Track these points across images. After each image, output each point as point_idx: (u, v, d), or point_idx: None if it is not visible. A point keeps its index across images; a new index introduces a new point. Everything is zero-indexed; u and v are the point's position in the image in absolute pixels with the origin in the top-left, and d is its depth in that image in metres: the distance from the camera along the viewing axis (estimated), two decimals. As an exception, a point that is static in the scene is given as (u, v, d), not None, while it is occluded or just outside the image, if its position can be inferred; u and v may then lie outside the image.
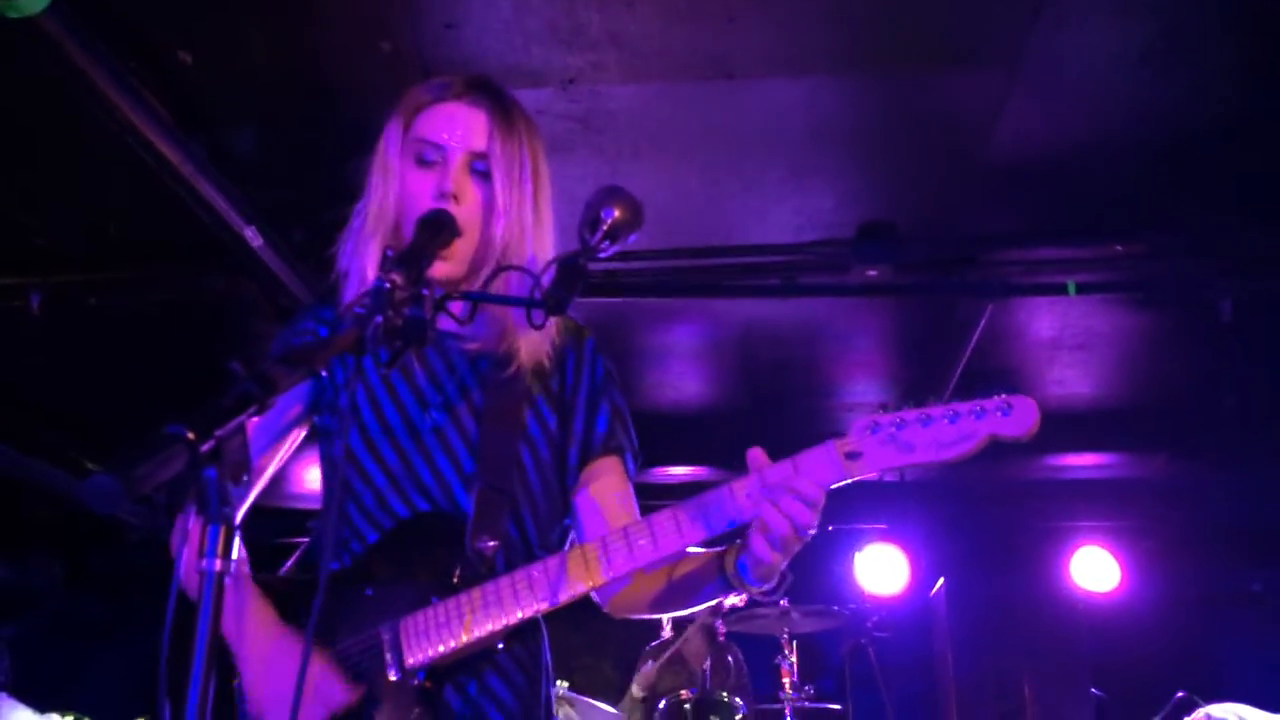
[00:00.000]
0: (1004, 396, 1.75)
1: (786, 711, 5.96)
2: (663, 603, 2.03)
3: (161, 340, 5.98)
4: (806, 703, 6.10)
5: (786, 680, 6.04)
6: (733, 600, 2.08)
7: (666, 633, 7.12)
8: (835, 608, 6.50)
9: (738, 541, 1.88)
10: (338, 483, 1.94)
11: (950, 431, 1.74)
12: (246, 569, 1.94)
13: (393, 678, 1.81)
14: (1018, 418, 1.73)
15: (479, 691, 1.89)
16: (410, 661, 1.81)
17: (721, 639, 6.99)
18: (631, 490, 2.09)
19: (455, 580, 1.85)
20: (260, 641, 1.82)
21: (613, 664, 7.25)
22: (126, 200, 4.66)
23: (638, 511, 2.05)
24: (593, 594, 1.91)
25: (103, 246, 5.09)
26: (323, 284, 5.03)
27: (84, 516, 7.68)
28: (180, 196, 4.22)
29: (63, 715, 5.47)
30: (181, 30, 3.79)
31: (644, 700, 6.84)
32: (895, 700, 7.07)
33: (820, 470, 1.77)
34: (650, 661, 7.03)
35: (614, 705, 6.62)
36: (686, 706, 5.96)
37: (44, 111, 4.15)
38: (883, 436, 1.76)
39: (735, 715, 5.96)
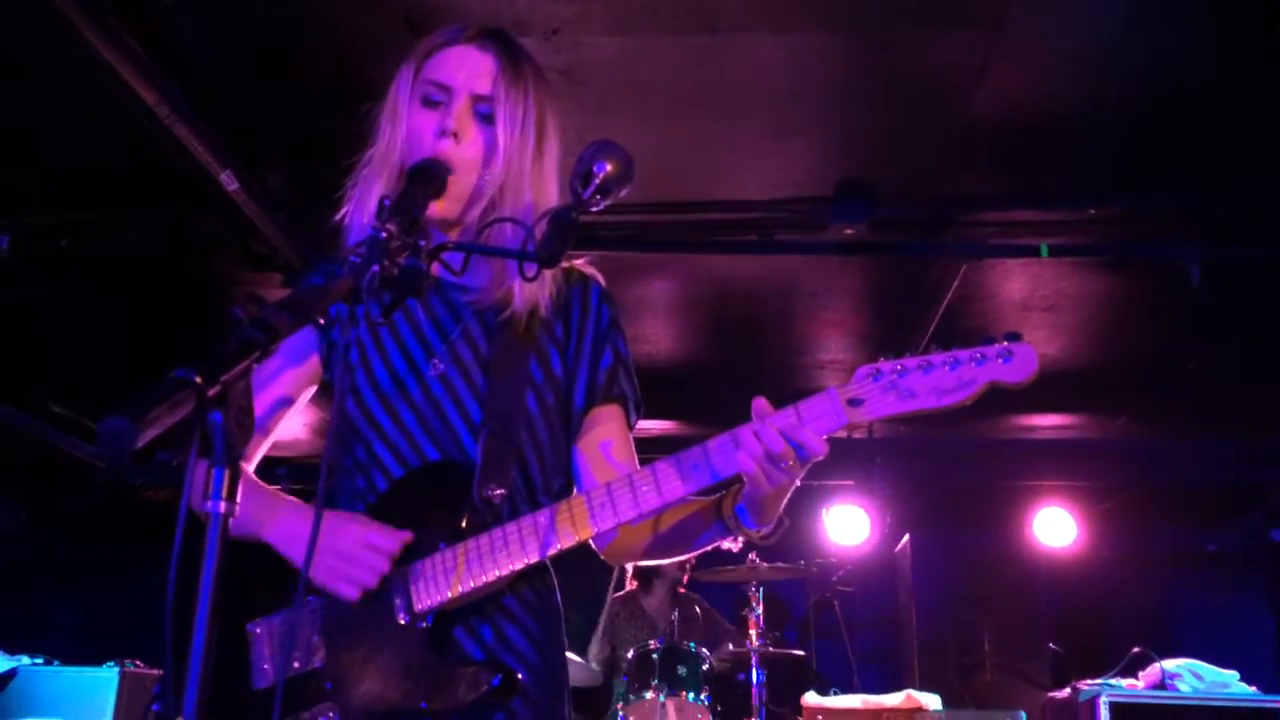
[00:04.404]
0: (1005, 343, 1.75)
1: (753, 661, 6.06)
2: (660, 549, 2.05)
3: (133, 283, 5.93)
4: (771, 647, 6.21)
5: (753, 632, 6.13)
6: (729, 545, 2.08)
7: (630, 584, 7.21)
8: (802, 563, 6.59)
9: (735, 487, 1.89)
10: (335, 431, 1.96)
11: (951, 378, 1.75)
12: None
13: (401, 621, 1.84)
14: (1018, 364, 1.74)
15: (495, 640, 1.92)
16: (419, 606, 1.84)
17: (683, 591, 7.09)
18: (630, 439, 2.11)
19: (463, 526, 1.87)
20: (302, 521, 1.90)
21: (583, 617, 7.32)
22: (100, 141, 4.60)
23: (635, 460, 2.06)
24: (591, 541, 1.93)
25: (75, 187, 5.03)
26: (297, 229, 5.01)
27: (48, 458, 7.64)
28: (156, 139, 4.17)
29: (32, 658, 5.47)
30: (160, -31, 3.73)
31: (610, 648, 6.93)
32: (859, 652, 7.21)
33: (823, 417, 1.77)
34: (614, 608, 7.12)
35: (580, 655, 6.72)
36: (654, 656, 6.04)
37: (18, 49, 4.07)
38: (884, 384, 1.76)
39: (701, 665, 6.05)
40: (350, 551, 1.83)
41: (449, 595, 1.83)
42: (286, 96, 4.43)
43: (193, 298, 6.06)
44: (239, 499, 1.25)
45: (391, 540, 1.84)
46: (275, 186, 4.80)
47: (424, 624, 1.85)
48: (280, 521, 1.90)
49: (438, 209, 1.89)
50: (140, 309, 6.27)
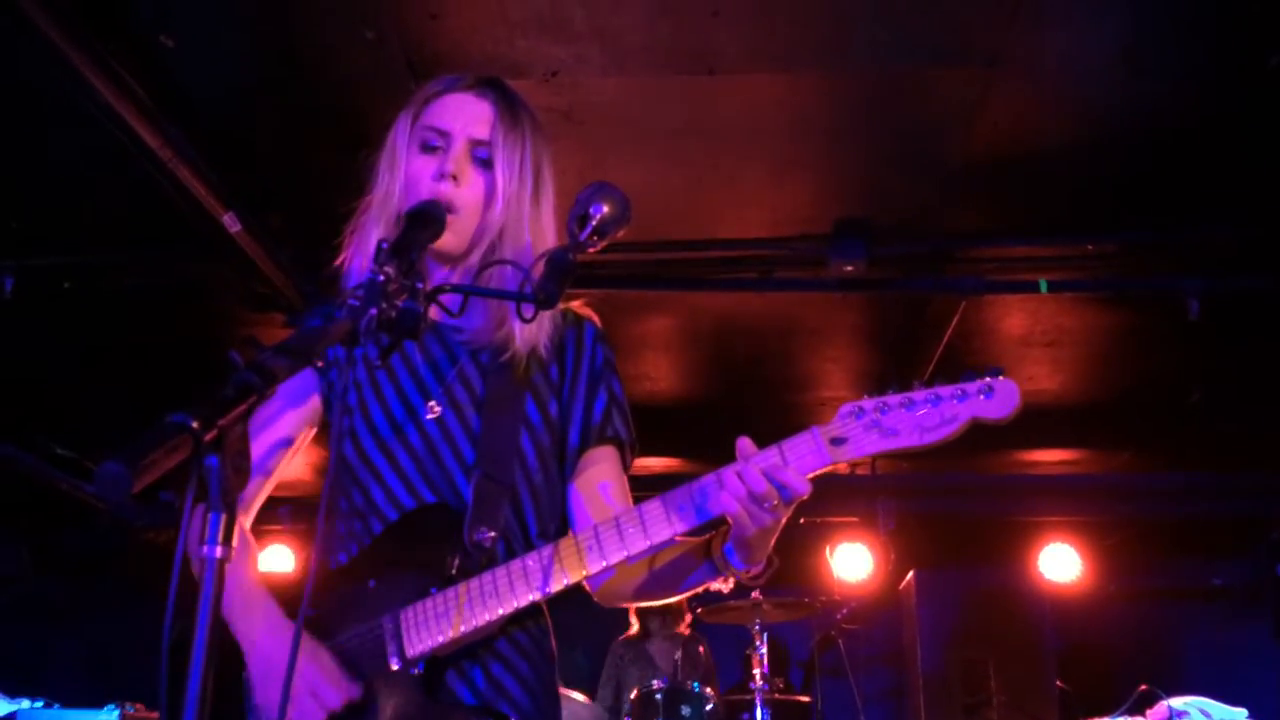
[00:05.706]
0: (985, 379, 1.75)
1: (757, 701, 6.01)
2: (650, 590, 2.04)
3: (136, 324, 5.94)
4: (776, 694, 6.16)
5: (757, 671, 6.09)
6: (719, 586, 2.07)
7: (635, 624, 7.17)
8: (806, 600, 6.55)
9: (724, 527, 1.89)
10: (333, 476, 1.95)
11: (933, 415, 1.74)
12: (254, 569, 1.97)
13: (394, 667, 1.83)
14: (999, 400, 1.73)
15: (487, 684, 1.90)
16: (411, 651, 1.83)
17: (686, 631, 7.05)
18: (625, 481, 2.10)
19: (454, 571, 1.86)
20: (264, 639, 1.85)
21: (584, 652, 7.29)
22: (103, 184, 4.63)
23: (630, 502, 2.05)
24: (585, 583, 1.92)
25: (78, 230, 5.06)
26: (300, 271, 5.04)
27: (51, 498, 7.63)
28: (158, 181, 4.20)
29: (32, 700, 5.43)
30: (164, 14, 3.77)
31: (615, 690, 6.89)
32: (864, 691, 7.15)
33: (806, 457, 1.77)
34: (618, 650, 7.08)
35: (587, 694, 6.67)
36: (658, 697, 5.99)
37: (20, 92, 4.11)
38: (866, 422, 1.76)
39: (705, 705, 6.01)
40: (293, 692, 1.79)
41: (440, 640, 1.82)
42: (289, 139, 4.46)
43: (196, 339, 6.08)
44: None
45: (335, 695, 1.80)
46: (277, 228, 4.83)
47: (416, 670, 1.83)
48: (249, 628, 1.87)
49: (441, 242, 1.91)
50: (143, 350, 6.28)
